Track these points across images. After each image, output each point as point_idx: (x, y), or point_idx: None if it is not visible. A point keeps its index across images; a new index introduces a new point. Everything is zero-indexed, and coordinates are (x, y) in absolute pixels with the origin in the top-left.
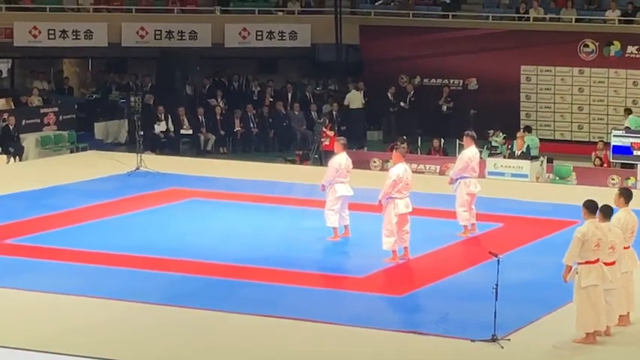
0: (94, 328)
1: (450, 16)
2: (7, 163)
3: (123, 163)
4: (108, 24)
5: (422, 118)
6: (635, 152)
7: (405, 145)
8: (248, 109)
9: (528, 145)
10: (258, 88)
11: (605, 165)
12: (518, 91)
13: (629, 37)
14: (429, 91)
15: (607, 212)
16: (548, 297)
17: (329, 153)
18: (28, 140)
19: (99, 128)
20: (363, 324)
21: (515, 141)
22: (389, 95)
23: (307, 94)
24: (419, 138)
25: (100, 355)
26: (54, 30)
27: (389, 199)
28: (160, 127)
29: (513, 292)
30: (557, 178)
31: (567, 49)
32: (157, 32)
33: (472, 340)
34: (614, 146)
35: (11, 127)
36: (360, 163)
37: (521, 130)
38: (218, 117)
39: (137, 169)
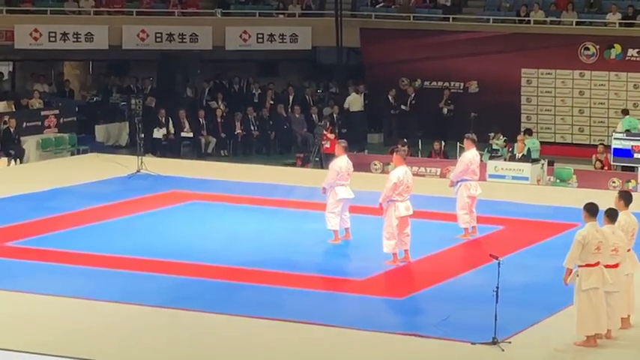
0: (95, 331)
1: (451, 19)
2: (8, 165)
3: (123, 165)
4: (109, 26)
5: (422, 121)
6: (635, 155)
7: (405, 147)
8: (249, 111)
9: (529, 148)
10: (259, 91)
11: (606, 168)
12: (518, 94)
13: (630, 40)
14: (430, 93)
15: (613, 215)
16: (548, 300)
17: (330, 156)
18: (29, 143)
19: (100, 131)
20: (363, 327)
21: (515, 144)
22: (390, 98)
23: (308, 97)
24: (419, 141)
25: (100, 359)
26: (55, 32)
27: (390, 202)
28: (159, 133)
29: (514, 294)
30: (558, 180)
31: (568, 52)
32: (157, 35)
33: (472, 343)
34: (614, 149)
35: (12, 130)
36: (360, 166)
37: (522, 133)
38: (219, 120)
39: (138, 171)
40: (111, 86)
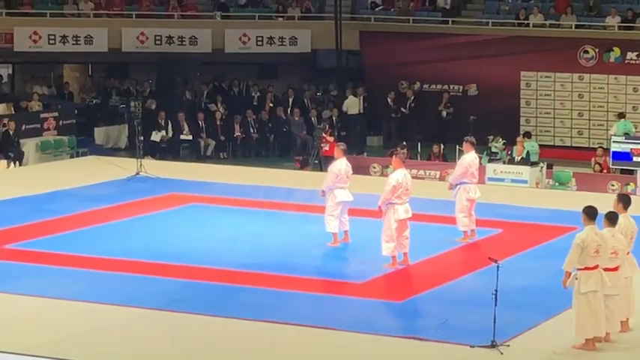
0: (94, 334)
1: (450, 22)
2: (7, 168)
3: (123, 168)
4: (108, 29)
5: (422, 124)
6: (634, 158)
7: (404, 150)
8: (248, 114)
9: (528, 151)
10: (258, 94)
11: (605, 171)
12: (518, 97)
13: (629, 44)
14: (429, 96)
15: (613, 218)
16: (547, 303)
17: (329, 158)
18: (28, 145)
19: (99, 133)
20: (362, 329)
21: (514, 146)
22: (389, 101)
23: (307, 100)
24: (419, 144)
25: None
26: (54, 35)
27: (389, 205)
28: (157, 136)
29: (513, 297)
30: (557, 183)
31: (567, 55)
32: (157, 37)
33: (471, 346)
34: (613, 152)
35: (11, 132)
36: (359, 169)
37: (521, 136)
38: (218, 122)
39: (137, 174)
40: (110, 89)
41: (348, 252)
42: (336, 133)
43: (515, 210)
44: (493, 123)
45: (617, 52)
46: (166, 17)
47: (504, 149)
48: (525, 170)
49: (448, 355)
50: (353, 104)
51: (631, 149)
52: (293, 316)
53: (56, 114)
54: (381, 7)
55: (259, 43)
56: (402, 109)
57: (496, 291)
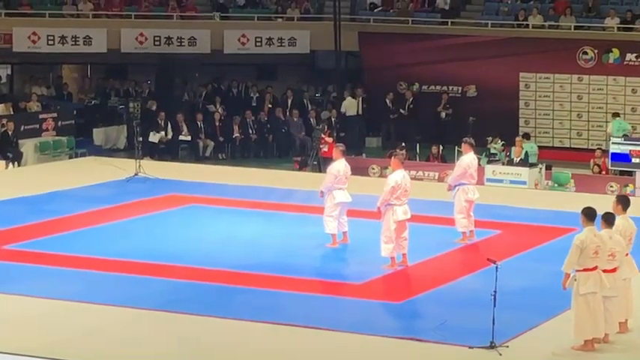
0: (92, 334)
1: (449, 23)
2: (6, 168)
3: (121, 168)
4: (107, 30)
5: (421, 125)
6: (633, 160)
7: (403, 151)
8: (247, 115)
9: (527, 152)
10: (257, 95)
11: (604, 172)
12: (517, 98)
13: (628, 45)
14: (428, 97)
15: (609, 220)
16: (546, 304)
17: (327, 159)
18: (27, 146)
19: (98, 134)
20: (361, 330)
21: (513, 147)
22: (388, 102)
23: (306, 101)
24: (417, 145)
25: None
26: (53, 36)
27: (387, 206)
28: (155, 137)
29: (512, 298)
30: (556, 185)
31: (566, 56)
32: (156, 38)
33: (470, 347)
34: (612, 153)
35: (10, 133)
36: (358, 170)
37: (520, 137)
38: (217, 123)
39: (136, 175)
40: (109, 89)
41: (347, 253)
42: (334, 134)
43: (514, 211)
44: (492, 124)
45: (616, 53)
46: (165, 18)
47: (503, 150)
48: (524, 171)
49: (447, 356)
50: (351, 105)
51: (630, 151)
52: (291, 317)
53: (55, 114)
54: (380, 8)
55: (258, 43)
56: (401, 110)
57: (495, 292)
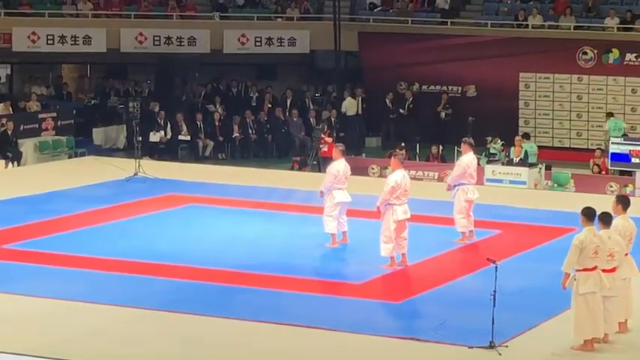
0: (92, 334)
1: (449, 23)
2: (6, 168)
3: (121, 168)
4: (107, 30)
5: (420, 125)
6: (633, 160)
7: (403, 151)
8: (247, 115)
9: (526, 152)
10: (257, 94)
11: (604, 172)
12: (516, 99)
13: (628, 45)
14: (428, 97)
15: (607, 220)
16: (546, 304)
17: (327, 159)
18: (27, 145)
19: (97, 134)
20: (360, 330)
21: (512, 147)
22: (387, 102)
23: (306, 101)
24: (417, 144)
25: None
26: (53, 35)
27: (387, 206)
28: (155, 137)
29: (511, 298)
30: (556, 185)
31: (566, 56)
32: (155, 38)
33: (470, 347)
34: (612, 153)
35: (9, 132)
36: (358, 170)
37: (519, 136)
38: (216, 123)
39: (135, 174)
40: (109, 89)
41: (347, 253)
42: (334, 134)
43: (513, 211)
44: (492, 124)
45: (615, 53)
46: (165, 18)
47: (503, 150)
48: (524, 171)
49: (446, 355)
50: (351, 105)
51: (629, 151)
52: (291, 317)
53: (54, 114)
54: (379, 8)
55: (258, 43)
56: (401, 110)
57: (494, 292)
